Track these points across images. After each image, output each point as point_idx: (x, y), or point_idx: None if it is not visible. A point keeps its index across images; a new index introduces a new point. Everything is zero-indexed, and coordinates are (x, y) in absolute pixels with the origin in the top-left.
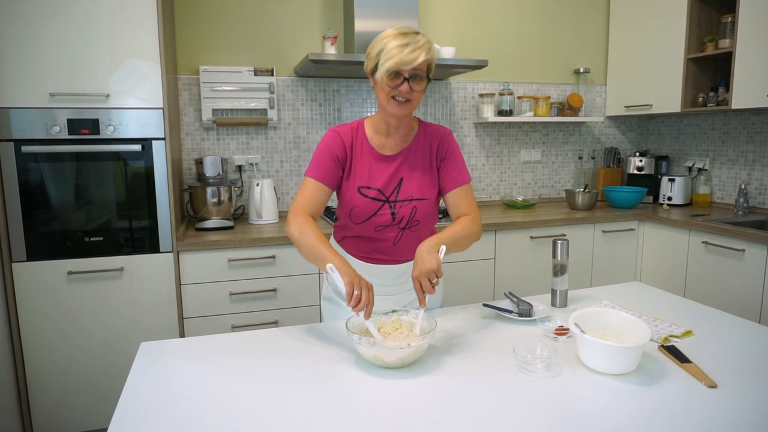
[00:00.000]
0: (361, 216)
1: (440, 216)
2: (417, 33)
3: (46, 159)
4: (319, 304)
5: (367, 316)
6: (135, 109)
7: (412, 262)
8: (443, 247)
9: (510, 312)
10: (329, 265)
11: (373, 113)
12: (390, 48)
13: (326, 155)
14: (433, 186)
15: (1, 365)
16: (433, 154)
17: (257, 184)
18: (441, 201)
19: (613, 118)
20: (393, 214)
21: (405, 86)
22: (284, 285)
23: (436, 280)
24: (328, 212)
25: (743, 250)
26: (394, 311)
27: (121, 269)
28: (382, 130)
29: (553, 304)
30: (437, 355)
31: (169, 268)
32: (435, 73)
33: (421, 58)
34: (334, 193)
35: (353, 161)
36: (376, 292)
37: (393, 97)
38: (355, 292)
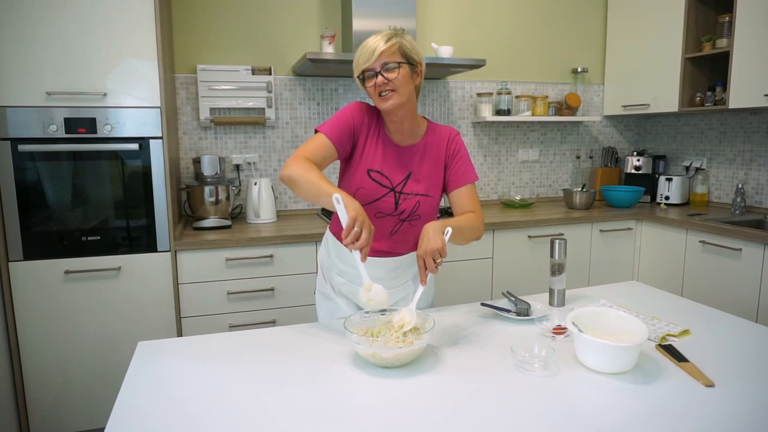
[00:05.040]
0: (365, 198)
1: (438, 216)
2: (387, 32)
3: (42, 158)
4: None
5: (363, 259)
6: (132, 108)
7: (404, 256)
8: (449, 229)
9: (508, 311)
10: (335, 196)
11: None
12: (354, 59)
13: (345, 122)
14: (438, 185)
15: None
16: (442, 152)
17: (255, 184)
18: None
19: (611, 118)
20: (396, 203)
21: (379, 79)
22: (282, 284)
23: (440, 259)
24: (327, 213)
25: (740, 250)
26: (383, 311)
27: (119, 268)
28: (390, 128)
29: (551, 304)
30: (435, 354)
31: (166, 268)
32: (433, 72)
33: (379, 48)
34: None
35: (367, 141)
36: None
37: (379, 94)
38: (355, 229)
